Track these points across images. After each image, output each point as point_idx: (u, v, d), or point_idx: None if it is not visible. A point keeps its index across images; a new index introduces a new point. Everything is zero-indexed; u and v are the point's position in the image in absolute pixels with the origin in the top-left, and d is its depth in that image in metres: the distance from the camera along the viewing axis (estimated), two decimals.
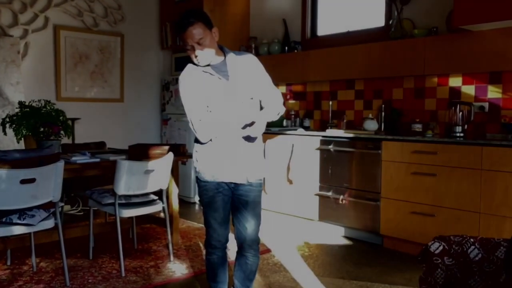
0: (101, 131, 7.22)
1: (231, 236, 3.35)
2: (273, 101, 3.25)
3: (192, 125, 3.08)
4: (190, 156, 5.59)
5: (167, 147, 4.96)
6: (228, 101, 3.05)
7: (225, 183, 3.18)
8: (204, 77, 3.06)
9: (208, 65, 3.07)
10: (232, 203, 3.27)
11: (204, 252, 4.95)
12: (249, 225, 3.27)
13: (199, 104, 3.04)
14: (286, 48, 6.97)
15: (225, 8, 7.43)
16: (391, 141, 5.13)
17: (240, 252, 3.36)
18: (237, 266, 3.40)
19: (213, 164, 3.14)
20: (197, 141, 3.20)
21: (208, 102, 3.03)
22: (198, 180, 3.26)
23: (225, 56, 3.13)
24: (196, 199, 7.55)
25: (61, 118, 4.60)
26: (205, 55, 3.01)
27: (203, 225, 6.03)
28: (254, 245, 3.32)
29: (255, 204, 3.27)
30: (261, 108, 3.28)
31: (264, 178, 3.36)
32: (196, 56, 3.00)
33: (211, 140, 3.10)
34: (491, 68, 4.93)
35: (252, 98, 3.15)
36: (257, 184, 3.25)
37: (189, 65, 3.14)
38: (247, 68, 3.16)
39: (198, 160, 3.21)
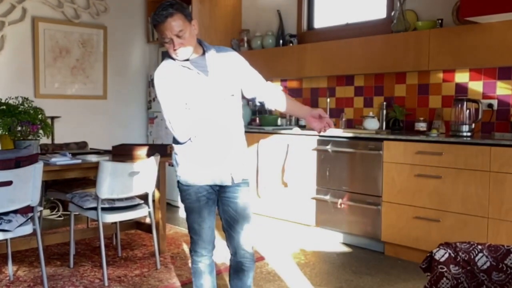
0: (83, 130, 7.19)
1: (220, 242, 3.34)
2: (273, 89, 3.29)
3: (170, 123, 3.07)
4: None
5: (153, 147, 4.97)
6: (208, 97, 3.05)
7: (209, 185, 3.18)
8: (182, 71, 3.07)
9: (187, 60, 3.08)
10: (220, 206, 3.27)
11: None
12: (241, 228, 3.25)
13: (177, 100, 3.03)
14: (281, 41, 6.97)
15: None
16: (393, 141, 5.14)
17: (235, 259, 3.34)
18: (233, 275, 3.37)
19: (195, 166, 3.14)
20: (175, 141, 3.19)
21: (187, 98, 3.03)
22: (179, 184, 3.25)
23: (204, 51, 3.14)
24: None
25: (39, 116, 4.60)
26: (184, 48, 3.00)
27: None
28: (249, 249, 3.30)
29: (245, 206, 3.25)
30: (249, 104, 3.29)
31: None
32: (175, 50, 3.00)
33: (190, 140, 3.10)
34: (500, 63, 4.94)
35: (233, 95, 3.15)
36: (244, 184, 3.25)
37: (166, 60, 3.14)
38: (228, 63, 3.17)
39: (179, 163, 3.20)
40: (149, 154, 4.81)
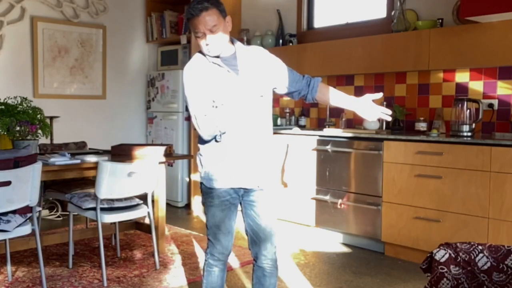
0: (82, 130, 7.19)
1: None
2: (313, 81, 3.23)
3: (196, 119, 3.00)
4: (177, 158, 5.57)
5: (152, 147, 4.96)
6: (236, 96, 2.99)
7: (234, 189, 3.11)
8: (212, 68, 3.02)
9: (217, 57, 3.04)
10: (243, 210, 3.21)
11: (202, 262, 4.95)
12: (263, 233, 3.20)
13: (205, 97, 2.98)
14: (281, 41, 6.97)
15: None
16: (393, 141, 5.14)
17: (256, 263, 3.30)
18: (255, 279, 3.32)
19: (220, 168, 3.07)
20: (201, 142, 3.13)
21: (214, 95, 2.98)
22: (202, 186, 3.18)
23: (235, 50, 3.10)
24: (183, 203, 7.55)
25: (38, 116, 4.59)
26: (217, 44, 2.97)
27: (191, 231, 6.05)
28: (270, 255, 3.25)
29: (269, 210, 3.20)
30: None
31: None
32: (207, 45, 2.96)
33: (215, 139, 3.04)
34: (501, 62, 4.93)
35: (262, 96, 3.09)
36: (269, 188, 3.19)
37: (197, 55, 3.10)
38: (259, 64, 3.12)
39: (203, 164, 3.14)
40: (149, 154, 4.82)
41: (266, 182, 3.16)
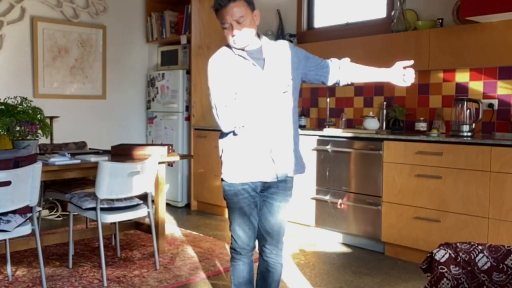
0: (82, 130, 7.19)
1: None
2: (342, 64, 3.26)
3: (216, 109, 3.02)
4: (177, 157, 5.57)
5: (152, 147, 4.95)
6: (259, 90, 3.00)
7: (251, 186, 3.12)
8: (237, 61, 3.04)
9: (243, 50, 3.05)
10: (258, 203, 3.23)
11: (202, 262, 4.95)
12: (271, 229, 3.23)
13: (227, 88, 2.99)
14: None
15: None
16: (393, 141, 5.13)
17: (261, 257, 3.33)
18: (259, 275, 3.36)
19: (239, 162, 3.08)
20: (221, 136, 3.15)
21: (237, 88, 2.99)
22: (222, 181, 3.19)
23: (261, 45, 3.12)
24: (183, 203, 7.55)
25: (38, 116, 4.59)
26: (243, 35, 2.99)
27: (191, 231, 6.05)
28: (275, 250, 3.28)
29: (281, 208, 3.23)
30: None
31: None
32: (233, 36, 2.98)
33: (234, 133, 3.05)
34: (501, 62, 4.94)
35: (285, 92, 3.09)
36: (288, 181, 3.22)
37: (223, 48, 3.13)
38: (284, 59, 3.13)
39: (223, 160, 3.16)
40: (149, 154, 4.82)
41: (285, 175, 3.16)
